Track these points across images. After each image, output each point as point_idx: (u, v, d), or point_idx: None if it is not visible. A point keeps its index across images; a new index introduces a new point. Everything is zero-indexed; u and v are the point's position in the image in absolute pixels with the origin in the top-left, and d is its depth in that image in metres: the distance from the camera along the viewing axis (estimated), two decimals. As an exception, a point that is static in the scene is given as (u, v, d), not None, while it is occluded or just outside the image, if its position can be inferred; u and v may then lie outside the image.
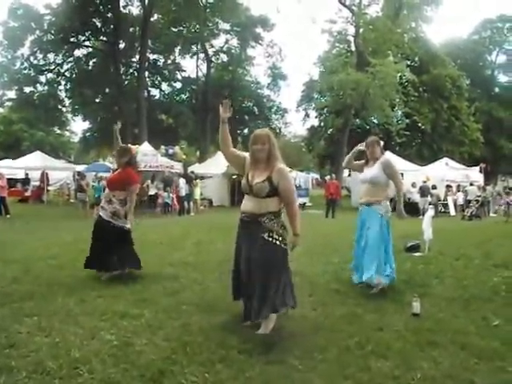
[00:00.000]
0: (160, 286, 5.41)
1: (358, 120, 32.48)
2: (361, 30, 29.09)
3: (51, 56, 31.67)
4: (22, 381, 2.95)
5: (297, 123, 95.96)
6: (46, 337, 3.72)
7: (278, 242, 3.82)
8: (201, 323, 4.06)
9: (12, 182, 23.93)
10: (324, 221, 16.69)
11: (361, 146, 5.58)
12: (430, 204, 16.79)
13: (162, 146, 25.48)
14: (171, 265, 6.80)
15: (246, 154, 4.07)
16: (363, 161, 5.61)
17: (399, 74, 29.32)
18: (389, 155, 20.16)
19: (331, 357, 3.37)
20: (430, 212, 8.24)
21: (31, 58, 30.41)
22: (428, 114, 33.97)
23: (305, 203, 24.01)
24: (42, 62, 31.28)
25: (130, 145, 6.38)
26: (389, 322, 4.14)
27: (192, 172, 21.61)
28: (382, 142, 5.59)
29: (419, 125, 33.98)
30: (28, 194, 25.20)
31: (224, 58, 40.53)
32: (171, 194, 19.27)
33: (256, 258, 3.78)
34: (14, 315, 4.23)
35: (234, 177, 23.87)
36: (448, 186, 22.03)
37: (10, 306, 4.52)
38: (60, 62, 32.36)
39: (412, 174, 21.70)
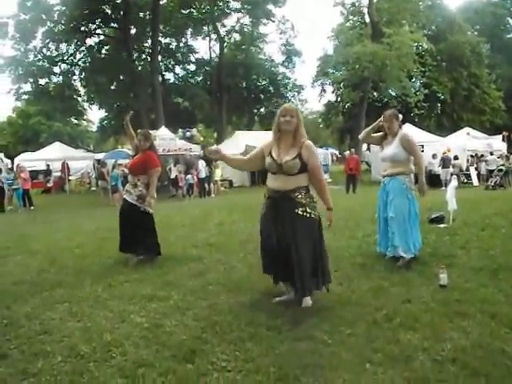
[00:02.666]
0: (185, 268, 5.47)
1: (375, 93, 32.02)
2: (374, 0, 28.47)
3: (63, 46, 31.65)
4: (58, 365, 3.03)
5: (313, 99, 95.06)
6: (77, 322, 3.82)
7: (312, 216, 3.88)
8: (228, 302, 4.10)
9: (34, 174, 24.31)
10: (345, 196, 16.58)
11: (380, 122, 5.49)
12: (451, 175, 16.55)
13: (180, 130, 25.56)
14: (195, 246, 6.86)
15: (261, 146, 4.09)
16: (381, 133, 5.51)
17: (416, 44, 28.70)
18: (408, 127, 19.95)
19: (359, 331, 3.37)
20: (454, 182, 8.11)
21: (44, 50, 30.43)
22: (447, 83, 33.26)
23: (325, 179, 23.90)
24: (54, 53, 31.30)
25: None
26: (416, 294, 4.10)
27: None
28: (400, 116, 5.47)
29: (438, 95, 33.35)
30: (50, 184, 25.62)
31: (236, 37, 40.12)
32: (193, 177, 19.35)
33: (291, 234, 3.80)
34: (45, 303, 4.34)
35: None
36: (471, 156, 21.65)
37: (41, 294, 4.63)
38: (73, 51, 32.35)
39: (432, 146, 21.34)
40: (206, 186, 19.62)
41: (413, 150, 5.28)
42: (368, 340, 3.21)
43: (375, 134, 5.63)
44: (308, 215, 3.84)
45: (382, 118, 5.42)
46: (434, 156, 20.43)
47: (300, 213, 3.81)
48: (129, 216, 5.86)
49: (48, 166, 26.58)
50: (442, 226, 7.46)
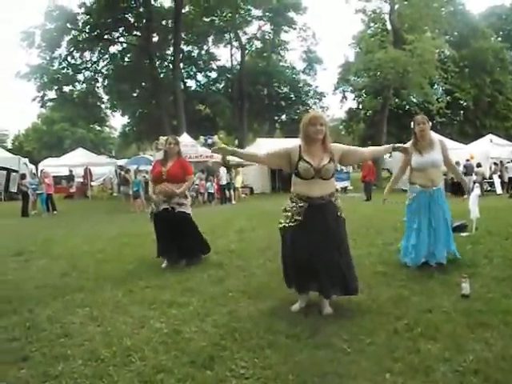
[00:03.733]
0: (205, 275, 5.49)
1: (397, 100, 31.72)
2: (396, 7, 28.34)
3: (87, 54, 32.30)
4: (78, 368, 3.06)
5: (334, 106, 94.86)
6: (98, 326, 3.86)
7: (344, 218, 3.99)
8: (248, 309, 4.10)
9: (57, 180, 24.72)
10: (365, 203, 16.44)
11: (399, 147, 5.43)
12: (474, 183, 16.27)
13: (201, 136, 25.58)
14: (215, 253, 6.86)
15: (285, 146, 4.02)
16: (410, 142, 5.41)
17: (438, 50, 28.42)
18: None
19: (379, 340, 3.33)
20: (476, 191, 8.01)
21: (68, 58, 31.08)
22: (470, 89, 32.84)
23: (346, 187, 23.72)
24: (78, 61, 31.94)
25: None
26: (437, 304, 4.03)
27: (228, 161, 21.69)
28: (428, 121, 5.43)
29: (461, 101, 32.92)
30: (73, 190, 26.00)
31: (258, 44, 40.34)
32: (214, 184, 19.43)
33: (339, 237, 3.88)
34: (66, 307, 4.41)
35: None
36: (495, 164, 21.27)
37: (62, 298, 4.70)
38: (96, 59, 32.97)
39: (455, 153, 20.90)
40: (227, 192, 19.67)
41: (448, 154, 5.40)
42: (388, 349, 3.16)
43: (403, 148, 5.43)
44: (343, 217, 3.97)
45: (412, 124, 5.37)
46: (456, 163, 20.09)
47: (340, 215, 3.93)
48: (180, 225, 5.97)
49: (71, 171, 27.01)
50: (464, 234, 7.35)
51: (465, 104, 33.17)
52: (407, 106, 32.53)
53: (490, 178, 20.88)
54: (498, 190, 20.12)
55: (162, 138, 6.39)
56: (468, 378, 2.74)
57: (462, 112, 34.46)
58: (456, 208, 9.08)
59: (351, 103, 39.19)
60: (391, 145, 4.32)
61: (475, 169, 19.57)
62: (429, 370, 2.85)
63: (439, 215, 5.25)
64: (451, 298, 4.20)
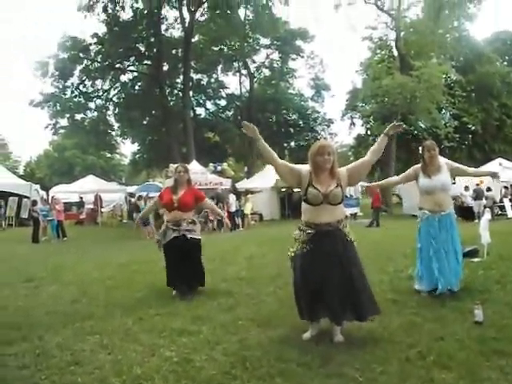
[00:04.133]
0: (215, 302, 5.46)
1: (405, 125, 31.83)
2: (401, 34, 28.69)
3: (99, 83, 32.98)
4: (88, 397, 3.04)
5: (343, 133, 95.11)
6: (108, 354, 3.84)
7: (353, 241, 3.97)
8: (258, 337, 4.07)
9: (67, 206, 24.90)
10: (375, 230, 16.37)
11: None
12: (485, 207, 16.17)
13: (211, 164, 25.91)
14: (225, 280, 6.85)
15: (300, 167, 4.04)
16: (418, 166, 5.45)
17: (444, 75, 28.62)
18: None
19: (392, 368, 3.27)
20: (487, 215, 7.95)
21: (80, 87, 31.74)
22: (477, 113, 32.88)
23: (356, 213, 23.62)
24: (90, 90, 32.58)
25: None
26: (450, 331, 3.97)
27: (234, 188, 21.82)
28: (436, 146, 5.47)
29: (469, 126, 32.95)
30: (83, 216, 26.14)
31: (266, 72, 40.88)
32: (223, 210, 19.44)
33: (348, 261, 3.84)
34: (76, 334, 4.40)
35: (283, 190, 23.84)
36: (505, 188, 21.13)
37: (72, 325, 4.70)
38: (107, 88, 33.61)
39: (464, 178, 20.95)
40: (236, 219, 19.68)
41: (458, 167, 5.51)
42: (400, 378, 3.11)
43: (409, 173, 5.57)
44: (354, 242, 3.96)
45: (421, 149, 5.40)
46: (466, 188, 20.07)
47: (349, 239, 3.93)
48: (190, 252, 5.96)
49: (81, 198, 27.22)
50: (475, 260, 7.27)
51: (473, 128, 33.17)
52: (415, 132, 32.59)
53: (501, 201, 20.74)
54: (510, 213, 19.95)
55: (172, 166, 6.46)
56: (484, 409, 2.68)
57: (470, 136, 34.42)
58: (467, 233, 9.03)
59: (359, 129, 39.37)
60: (383, 133, 4.21)
61: (485, 193, 19.46)
62: (443, 399, 2.80)
63: (448, 242, 5.21)
64: (464, 325, 4.14)
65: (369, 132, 36.99)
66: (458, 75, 28.82)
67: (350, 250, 3.90)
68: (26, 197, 22.65)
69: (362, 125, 38.18)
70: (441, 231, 5.22)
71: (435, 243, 5.22)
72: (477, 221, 14.65)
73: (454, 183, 18.78)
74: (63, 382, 3.28)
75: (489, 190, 19.72)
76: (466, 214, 18.22)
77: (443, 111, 31.35)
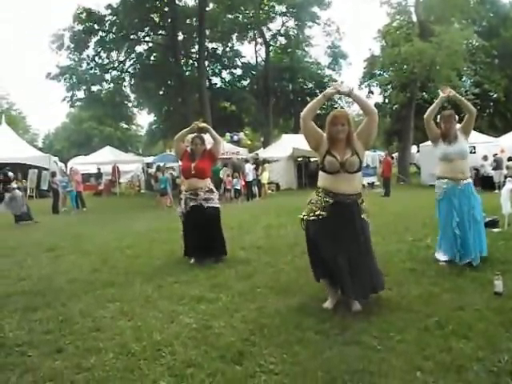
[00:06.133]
0: (233, 271, 5.51)
1: (424, 93, 31.16)
2: (421, -1, 27.83)
3: (114, 54, 32.68)
4: (109, 361, 3.13)
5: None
6: (128, 321, 3.92)
7: (368, 221, 4.01)
8: (277, 305, 4.10)
9: (86, 177, 25.16)
10: (392, 200, 16.23)
11: (443, 94, 5.34)
12: (506, 177, 15.89)
13: (227, 133, 25.84)
14: (243, 249, 6.90)
15: (324, 134, 3.95)
16: (438, 130, 5.36)
17: (466, 41, 27.74)
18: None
19: (410, 337, 3.28)
20: (508, 185, 7.80)
21: (96, 58, 31.53)
22: (500, 80, 31.91)
23: (373, 182, 23.46)
24: (106, 61, 32.36)
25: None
26: (469, 302, 3.94)
27: (257, 154, 21.75)
28: (457, 117, 5.34)
29: (490, 93, 32.09)
30: (101, 187, 26.43)
31: (282, 40, 40.02)
32: (240, 180, 19.47)
33: (362, 238, 3.86)
34: (97, 302, 4.50)
35: (300, 159, 23.73)
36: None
37: (93, 293, 4.80)
38: (123, 59, 33.33)
39: (484, 147, 20.49)
40: (253, 188, 19.70)
41: (463, 124, 5.38)
42: (419, 347, 3.11)
43: (435, 127, 5.43)
44: (368, 220, 3.99)
45: (439, 118, 5.32)
46: (485, 157, 19.66)
47: (365, 218, 3.94)
48: (209, 221, 6.01)
49: (99, 169, 27.45)
50: (495, 230, 7.19)
51: (495, 96, 32.31)
52: (434, 100, 31.90)
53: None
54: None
55: (190, 136, 6.41)
56: (503, 379, 2.67)
57: (491, 104, 33.58)
58: (487, 203, 8.90)
59: (377, 98, 38.70)
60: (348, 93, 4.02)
61: (506, 163, 19.07)
62: (461, 369, 2.79)
63: (470, 212, 5.15)
64: (483, 295, 4.11)
65: (387, 100, 36.34)
66: (481, 40, 27.85)
67: (364, 228, 3.92)
68: (45, 169, 22.92)
69: (380, 93, 37.40)
70: (462, 200, 5.14)
71: (457, 213, 5.15)
72: (497, 191, 14.43)
73: (474, 152, 18.44)
74: (86, 347, 3.36)
75: (510, 159, 19.33)
76: (486, 183, 17.93)
77: (464, 78, 30.50)
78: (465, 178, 5.19)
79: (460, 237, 5.12)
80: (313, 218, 3.89)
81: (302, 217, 4.01)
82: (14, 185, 14.64)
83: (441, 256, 5.35)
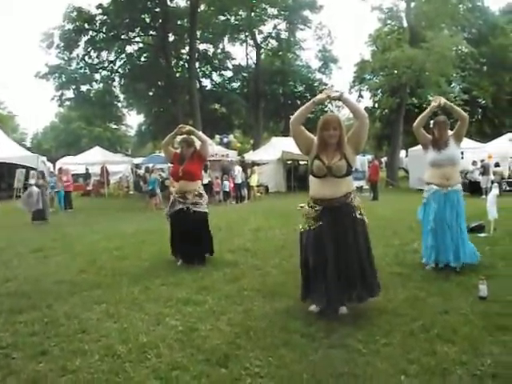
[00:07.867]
0: (221, 273, 5.51)
1: (414, 99, 31.40)
2: (412, 4, 28.04)
3: (104, 54, 32.53)
4: (95, 363, 3.11)
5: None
6: (114, 323, 3.91)
7: (365, 219, 3.95)
8: (263, 308, 4.11)
9: (74, 178, 24.93)
10: (381, 204, 16.31)
11: (435, 103, 5.31)
12: (493, 182, 16.05)
13: (217, 135, 25.80)
14: (231, 251, 6.90)
15: (314, 138, 3.95)
16: (430, 136, 5.40)
17: (455, 48, 28.00)
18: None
19: (395, 341, 3.31)
20: (495, 191, 7.88)
21: (86, 58, 31.37)
22: (488, 87, 32.25)
23: (362, 186, 23.52)
24: (96, 61, 32.21)
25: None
26: (454, 306, 3.99)
27: (243, 157, 21.77)
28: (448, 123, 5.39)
29: (479, 100, 32.39)
30: (89, 188, 26.23)
31: (273, 43, 40.11)
32: (229, 182, 19.42)
33: (353, 237, 3.80)
34: (83, 303, 4.47)
35: (289, 162, 23.76)
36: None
37: (80, 295, 4.77)
38: (113, 59, 33.19)
39: (473, 152, 20.70)
40: (242, 191, 19.68)
41: (455, 130, 5.36)
42: (404, 351, 3.14)
43: (425, 133, 5.48)
44: (363, 218, 3.92)
45: (432, 124, 5.35)
46: (473, 163, 19.85)
47: (358, 216, 3.86)
48: (195, 225, 6.00)
49: (87, 169, 27.27)
50: (482, 235, 7.26)
51: (483, 102, 32.63)
52: (424, 105, 32.15)
53: (509, 177, 20.56)
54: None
55: (179, 137, 6.42)
56: (486, 382, 2.70)
57: (480, 110, 33.90)
58: (474, 208, 9.01)
59: (367, 102, 38.73)
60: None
61: (493, 168, 19.28)
62: (445, 372, 2.83)
63: (453, 218, 5.18)
64: (468, 299, 4.16)
65: (376, 105, 36.55)
66: (470, 47, 28.14)
67: (357, 227, 3.85)
68: (33, 168, 22.70)
69: (370, 97, 37.62)
70: (446, 207, 5.19)
71: (438, 218, 5.21)
72: (484, 196, 14.58)
73: (462, 158, 18.60)
74: (71, 349, 3.35)
75: (497, 165, 19.55)
76: (474, 188, 18.11)
77: (453, 84, 30.78)
78: (452, 185, 5.23)
79: (436, 241, 5.20)
80: (306, 229, 3.92)
81: (299, 230, 4.02)
82: (31, 181, 14.14)
83: (426, 260, 5.41)
